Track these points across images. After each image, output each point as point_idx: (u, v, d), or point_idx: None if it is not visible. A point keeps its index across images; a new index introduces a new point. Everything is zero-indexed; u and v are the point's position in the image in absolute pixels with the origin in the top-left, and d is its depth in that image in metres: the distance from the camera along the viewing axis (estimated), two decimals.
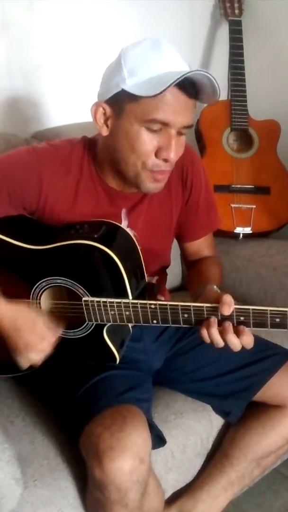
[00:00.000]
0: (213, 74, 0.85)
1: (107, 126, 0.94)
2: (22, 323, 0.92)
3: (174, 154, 0.91)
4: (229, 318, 0.86)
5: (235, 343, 0.86)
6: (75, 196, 1.01)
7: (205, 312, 0.88)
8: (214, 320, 0.86)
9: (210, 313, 0.87)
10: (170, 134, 0.90)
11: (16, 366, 0.96)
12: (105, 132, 0.95)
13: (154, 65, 0.88)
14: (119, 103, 0.91)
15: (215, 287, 0.99)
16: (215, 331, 0.86)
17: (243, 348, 0.87)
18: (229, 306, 0.85)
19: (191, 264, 1.20)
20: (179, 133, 0.92)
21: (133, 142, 0.91)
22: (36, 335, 0.92)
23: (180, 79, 0.84)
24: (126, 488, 0.86)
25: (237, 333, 0.86)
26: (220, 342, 0.86)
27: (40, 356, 0.94)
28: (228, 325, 0.85)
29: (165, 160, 0.92)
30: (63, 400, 1.03)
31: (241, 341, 0.86)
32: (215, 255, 1.22)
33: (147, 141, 0.90)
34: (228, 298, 0.85)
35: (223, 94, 1.76)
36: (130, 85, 0.88)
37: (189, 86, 0.88)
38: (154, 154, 0.92)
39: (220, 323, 0.86)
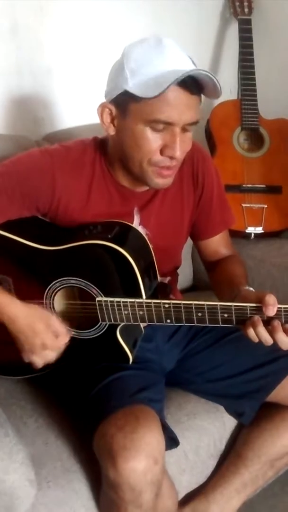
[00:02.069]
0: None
1: (113, 125, 0.95)
2: (38, 323, 0.93)
3: (179, 152, 0.92)
4: (277, 317, 0.86)
5: (285, 341, 0.87)
6: (88, 196, 1.01)
7: (248, 312, 0.88)
8: (258, 319, 0.87)
9: (254, 313, 0.88)
10: (175, 132, 0.90)
11: (29, 367, 0.96)
12: (112, 131, 0.96)
13: (154, 65, 0.88)
14: (124, 104, 0.91)
15: (251, 288, 0.98)
16: (262, 329, 0.86)
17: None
18: (273, 307, 0.85)
19: (212, 266, 1.19)
20: (184, 130, 0.92)
21: (138, 141, 0.92)
22: (51, 333, 0.93)
23: (178, 80, 0.84)
24: (140, 488, 0.86)
25: (285, 331, 0.87)
26: (269, 340, 0.87)
27: (55, 354, 0.95)
28: (277, 324, 0.86)
29: (171, 158, 0.93)
30: (76, 400, 1.03)
31: None
32: (236, 253, 1.21)
33: (152, 140, 0.91)
34: (271, 300, 0.86)
35: (234, 93, 1.75)
36: (131, 85, 0.88)
37: (191, 83, 0.87)
38: (159, 151, 0.92)
39: (268, 322, 0.87)
